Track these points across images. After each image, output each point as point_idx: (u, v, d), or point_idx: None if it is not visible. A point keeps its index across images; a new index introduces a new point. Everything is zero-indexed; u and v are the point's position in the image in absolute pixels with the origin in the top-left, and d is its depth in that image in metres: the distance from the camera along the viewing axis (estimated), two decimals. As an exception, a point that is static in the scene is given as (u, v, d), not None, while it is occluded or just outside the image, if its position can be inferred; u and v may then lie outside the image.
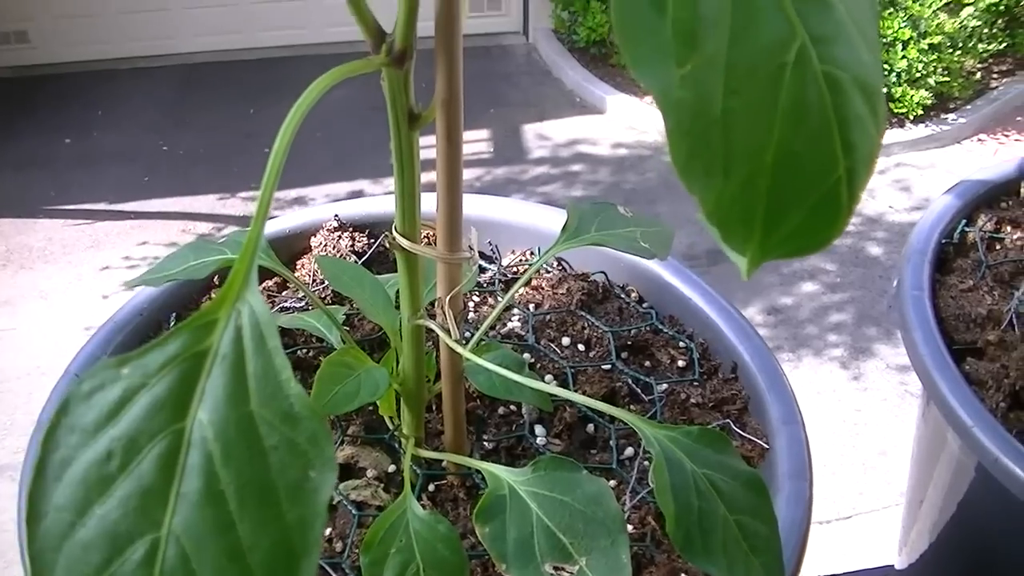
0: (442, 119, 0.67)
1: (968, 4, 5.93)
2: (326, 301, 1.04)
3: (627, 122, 6.38)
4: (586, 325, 1.01)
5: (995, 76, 6.48)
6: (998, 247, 1.08)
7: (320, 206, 1.13)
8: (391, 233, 0.71)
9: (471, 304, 1.05)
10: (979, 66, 6.33)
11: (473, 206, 1.10)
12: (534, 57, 7.10)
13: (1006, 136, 6.00)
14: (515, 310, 1.02)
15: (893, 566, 1.25)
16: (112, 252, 5.13)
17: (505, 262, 1.11)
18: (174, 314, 1.02)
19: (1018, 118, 6.13)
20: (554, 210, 1.11)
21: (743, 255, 0.44)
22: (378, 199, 1.15)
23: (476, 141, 5.92)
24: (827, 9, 0.42)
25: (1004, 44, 6.29)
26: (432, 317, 0.77)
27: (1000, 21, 6.25)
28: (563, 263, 1.09)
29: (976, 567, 1.02)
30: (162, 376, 0.43)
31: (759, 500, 0.67)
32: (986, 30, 6.12)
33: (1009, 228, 1.10)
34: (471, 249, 0.75)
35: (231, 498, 0.42)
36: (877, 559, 1.36)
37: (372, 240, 1.12)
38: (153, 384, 0.43)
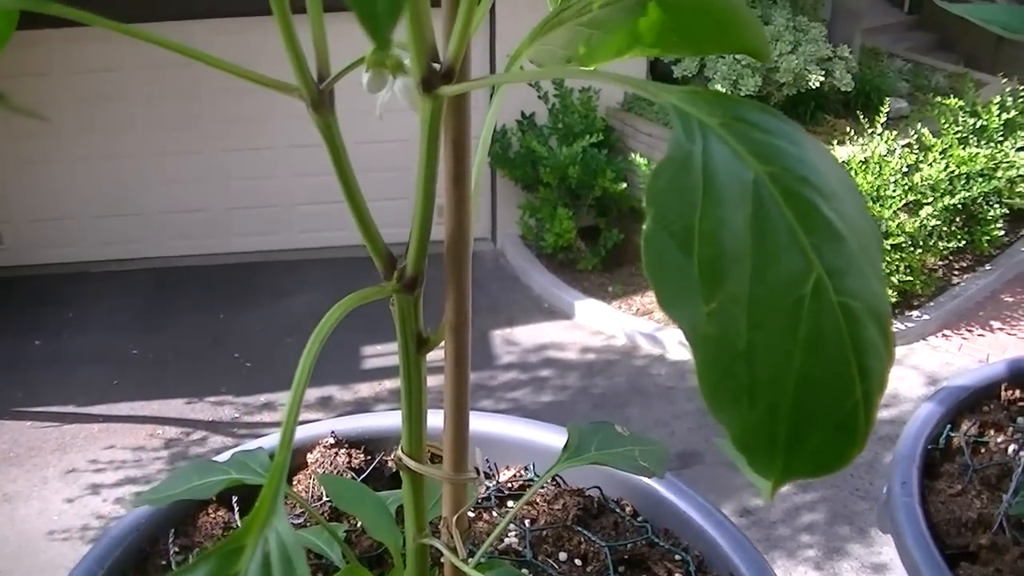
0: (451, 343, 0.69)
1: (927, 204, 6.09)
2: (325, 517, 1.04)
3: (595, 327, 6.44)
4: (582, 540, 1.01)
5: (956, 272, 6.61)
6: (983, 451, 1.10)
7: (316, 423, 1.14)
8: (398, 453, 0.72)
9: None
10: (940, 263, 6.47)
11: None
12: (502, 263, 7.20)
13: (970, 331, 6.09)
14: (512, 525, 1.02)
15: None
16: (79, 455, 5.09)
17: (502, 477, 1.12)
18: (172, 530, 1.02)
19: (980, 313, 6.24)
20: (546, 426, 1.12)
21: (767, 478, 0.45)
22: (374, 416, 1.17)
23: (444, 348, 5.94)
24: (839, 243, 0.44)
25: (963, 241, 6.44)
26: (436, 535, 0.78)
27: (958, 219, 6.42)
28: (558, 479, 1.10)
29: None
30: None
31: None
32: (945, 228, 6.27)
33: (992, 432, 1.12)
34: (477, 470, 0.76)
35: None
36: None
37: (369, 457, 1.13)
38: None
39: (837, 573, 4.07)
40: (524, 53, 0.64)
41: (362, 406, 5.58)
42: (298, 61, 0.58)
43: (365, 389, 5.74)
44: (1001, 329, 6.18)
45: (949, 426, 1.13)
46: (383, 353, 5.92)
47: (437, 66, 0.57)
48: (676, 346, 6.05)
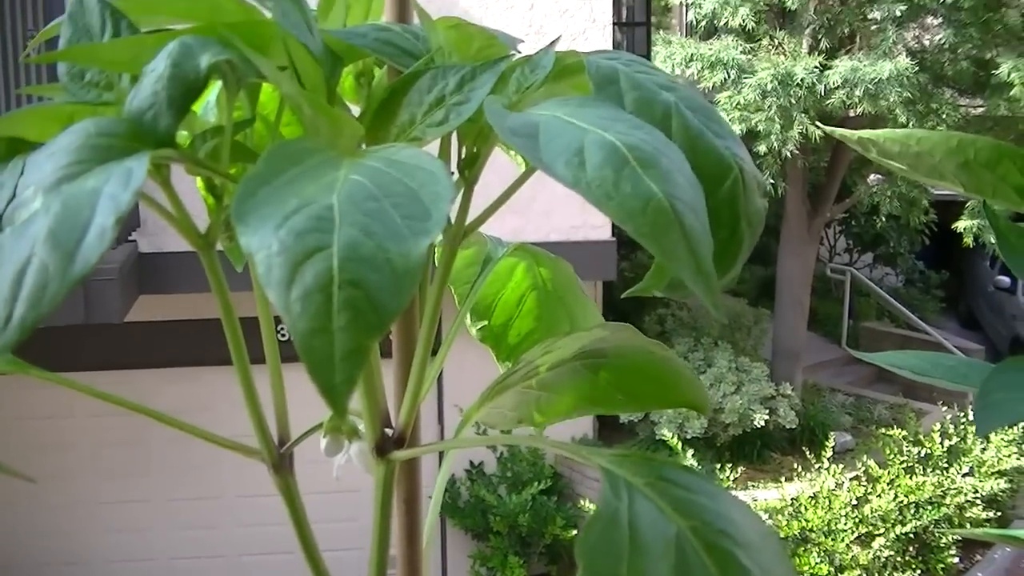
0: None
1: (879, 535, 6.11)
2: None
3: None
4: None
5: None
6: None
7: None
8: None
9: None
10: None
11: None
12: (454, 612, 7.05)
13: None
14: None
15: None
16: None
17: None
18: None
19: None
20: None
21: None
22: None
23: None
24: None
25: (919, 571, 6.43)
26: None
27: (911, 549, 6.43)
28: None
29: None
30: None
31: None
32: (899, 558, 6.28)
33: None
34: None
35: None
36: None
37: None
38: None
39: None
40: (474, 416, 0.68)
41: None
42: (261, 428, 0.62)
43: None
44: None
45: None
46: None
47: (389, 431, 0.61)
48: None
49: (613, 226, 6.94)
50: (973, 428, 7.12)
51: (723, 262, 0.53)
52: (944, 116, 7.47)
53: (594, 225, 6.78)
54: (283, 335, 0.67)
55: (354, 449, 0.65)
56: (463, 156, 0.60)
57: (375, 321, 0.41)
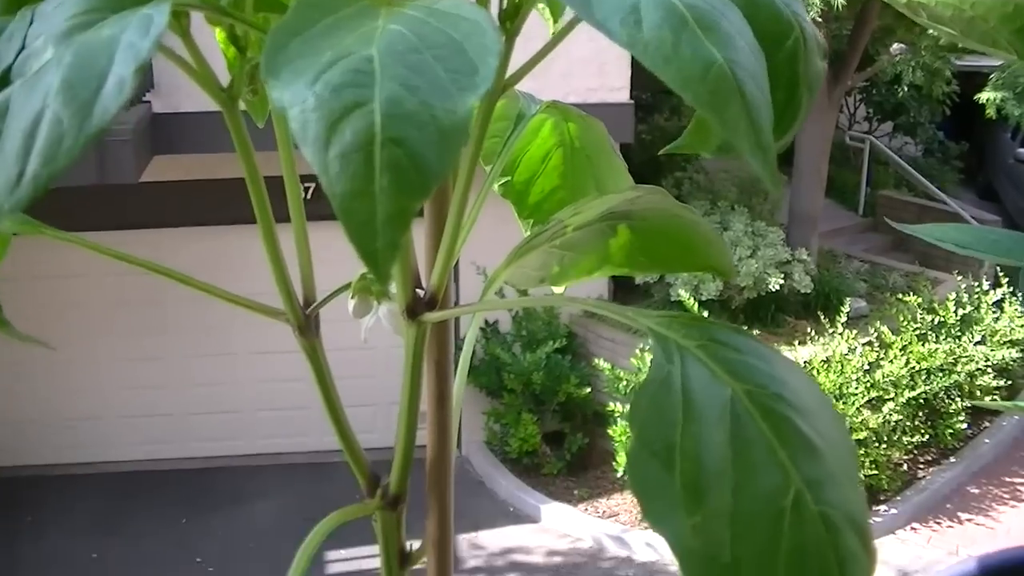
0: (433, 559, 0.70)
1: (889, 400, 6.15)
2: None
3: (562, 530, 6.39)
4: None
5: (921, 466, 6.64)
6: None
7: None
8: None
9: None
10: (905, 458, 6.49)
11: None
12: (467, 468, 7.17)
13: (938, 524, 6.09)
14: None
15: None
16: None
17: None
18: None
19: (948, 506, 6.23)
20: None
21: None
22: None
23: (426, 562, 5.88)
24: (816, 455, 0.46)
25: (927, 435, 6.49)
26: None
27: (921, 414, 6.47)
28: None
29: None
30: None
31: None
32: (908, 423, 6.32)
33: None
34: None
35: None
36: None
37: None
38: None
39: None
40: (502, 276, 0.67)
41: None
42: (286, 289, 0.60)
43: (332, 597, 5.65)
44: (970, 520, 6.17)
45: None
46: (346, 558, 5.84)
47: (421, 292, 0.59)
48: (643, 547, 6.00)
49: (631, 88, 6.86)
50: (987, 297, 7.14)
51: (779, 127, 0.50)
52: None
53: (612, 87, 6.70)
54: (307, 194, 0.65)
55: (383, 311, 0.63)
56: (504, 7, 0.57)
57: (419, 182, 0.38)
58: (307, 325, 0.61)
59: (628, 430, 0.45)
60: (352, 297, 0.64)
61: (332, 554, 5.88)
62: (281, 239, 0.61)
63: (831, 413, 0.49)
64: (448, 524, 0.69)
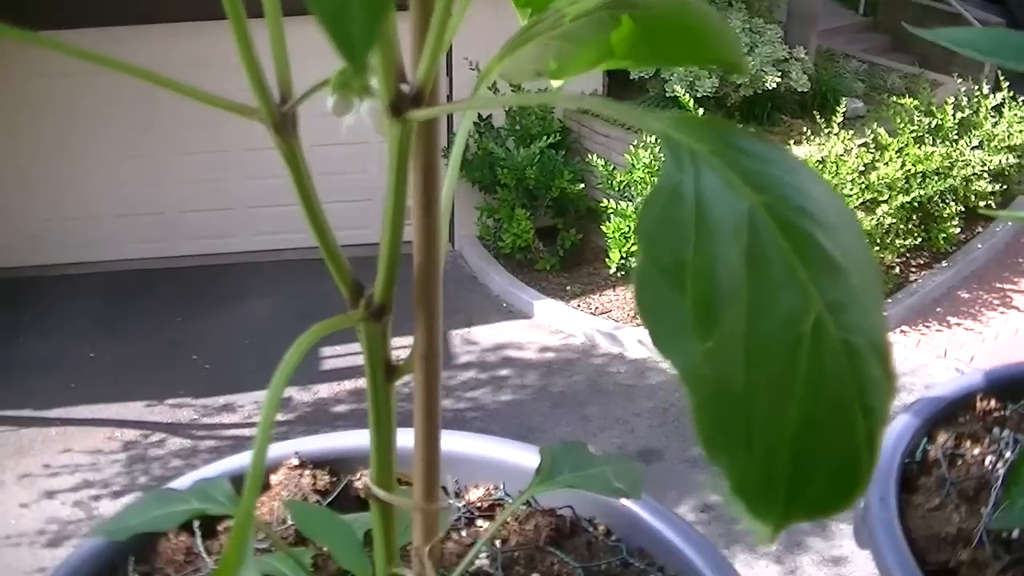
0: (421, 372, 0.66)
1: (883, 202, 6.12)
2: (288, 541, 1.01)
3: (554, 326, 6.44)
4: (555, 561, 0.99)
5: (913, 270, 6.65)
6: (959, 463, 1.08)
7: (279, 443, 1.11)
8: (367, 482, 0.70)
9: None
10: (898, 261, 6.50)
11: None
12: (460, 264, 7.19)
13: (927, 327, 6.13)
14: (482, 547, 0.99)
15: None
16: (35, 460, 5.04)
17: (471, 497, 1.09)
18: (132, 557, 0.98)
19: (938, 309, 6.27)
20: (515, 444, 1.09)
21: (766, 524, 0.43)
22: (339, 435, 1.13)
23: (402, 348, 5.94)
24: (840, 276, 0.42)
25: (920, 239, 6.48)
26: (407, 563, 0.75)
27: (915, 217, 6.46)
28: (530, 499, 1.07)
29: None
30: None
31: None
32: (902, 226, 6.31)
33: (968, 443, 1.10)
34: (445, 489, 0.74)
35: None
36: None
37: (335, 478, 1.10)
38: None
39: (797, 566, 4.08)
40: (495, 70, 0.61)
41: (321, 407, 5.55)
42: (259, 84, 0.55)
43: (324, 390, 5.71)
44: (959, 325, 6.22)
45: (926, 439, 1.11)
46: (342, 354, 5.89)
47: (406, 87, 0.54)
48: (635, 344, 6.05)
49: None
50: (987, 102, 7.04)
51: None
52: None
53: None
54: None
55: (365, 108, 0.58)
56: None
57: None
58: (283, 123, 0.56)
59: (634, 242, 0.40)
60: (332, 93, 0.58)
61: (327, 350, 5.93)
62: (257, 35, 0.55)
63: (856, 230, 0.45)
64: (436, 336, 0.65)
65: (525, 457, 1.05)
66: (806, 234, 0.42)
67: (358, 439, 1.12)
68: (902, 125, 6.70)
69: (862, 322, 0.42)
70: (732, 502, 0.43)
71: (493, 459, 1.08)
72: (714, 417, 0.41)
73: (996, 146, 6.91)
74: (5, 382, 5.74)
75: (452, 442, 1.07)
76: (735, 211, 0.41)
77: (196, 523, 1.01)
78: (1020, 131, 6.96)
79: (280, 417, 5.33)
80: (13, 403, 5.53)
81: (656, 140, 5.92)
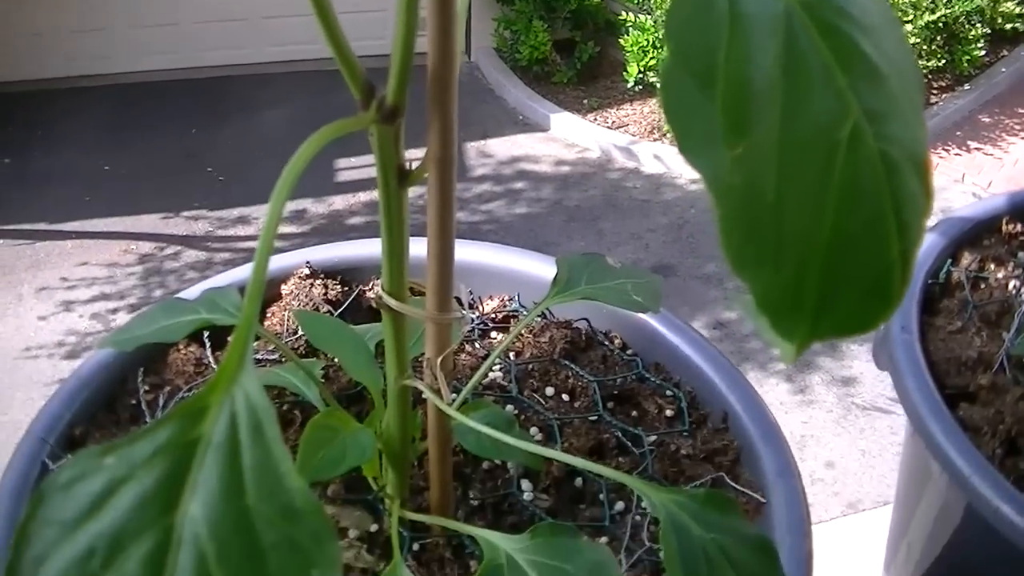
0: (435, 177, 0.64)
1: (907, 22, 5.99)
2: (299, 352, 1.01)
3: (570, 140, 6.38)
4: (570, 375, 0.98)
5: (935, 92, 6.54)
6: (983, 286, 1.07)
7: (290, 253, 1.09)
8: (378, 291, 0.68)
9: (448, 353, 1.02)
10: (919, 82, 6.38)
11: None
12: (476, 76, 7.10)
13: (946, 151, 6.07)
14: (496, 359, 0.99)
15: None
16: (52, 273, 5.07)
17: (485, 308, 1.08)
18: (142, 368, 0.98)
19: (957, 133, 6.20)
20: (532, 255, 1.07)
21: (791, 341, 0.41)
22: (350, 244, 1.12)
23: (418, 160, 5.89)
24: (880, 83, 0.39)
25: (943, 61, 6.36)
26: (419, 374, 0.74)
27: (939, 38, 6.32)
28: (544, 310, 1.06)
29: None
30: (150, 467, 0.39)
31: (769, 564, 0.65)
32: (925, 47, 6.18)
33: (993, 266, 1.08)
34: (459, 300, 0.72)
35: (227, 602, 0.38)
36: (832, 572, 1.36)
37: (346, 288, 1.08)
38: (140, 476, 0.39)
39: (807, 385, 4.11)
40: None
41: (336, 219, 5.55)
42: None
43: (339, 202, 5.69)
44: (978, 150, 6.15)
45: (949, 260, 1.09)
46: (357, 166, 5.86)
47: None
48: (651, 159, 6.00)
49: None
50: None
51: None
52: None
53: None
54: None
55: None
56: None
57: None
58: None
59: (653, 56, 0.37)
60: None
61: (341, 162, 5.90)
62: None
63: (899, 36, 0.42)
64: (451, 139, 0.63)
65: (541, 268, 1.04)
66: (846, 37, 0.39)
67: (370, 248, 1.10)
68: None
69: (901, 133, 0.40)
70: (756, 318, 0.42)
71: (509, 270, 1.07)
72: (742, 228, 0.39)
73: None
74: (20, 196, 5.73)
75: (467, 252, 1.05)
76: (771, 10, 0.38)
77: (206, 334, 1.00)
78: (1052, -50, 6.77)
79: (294, 229, 5.34)
80: (29, 217, 5.54)
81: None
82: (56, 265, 5.16)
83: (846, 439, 3.74)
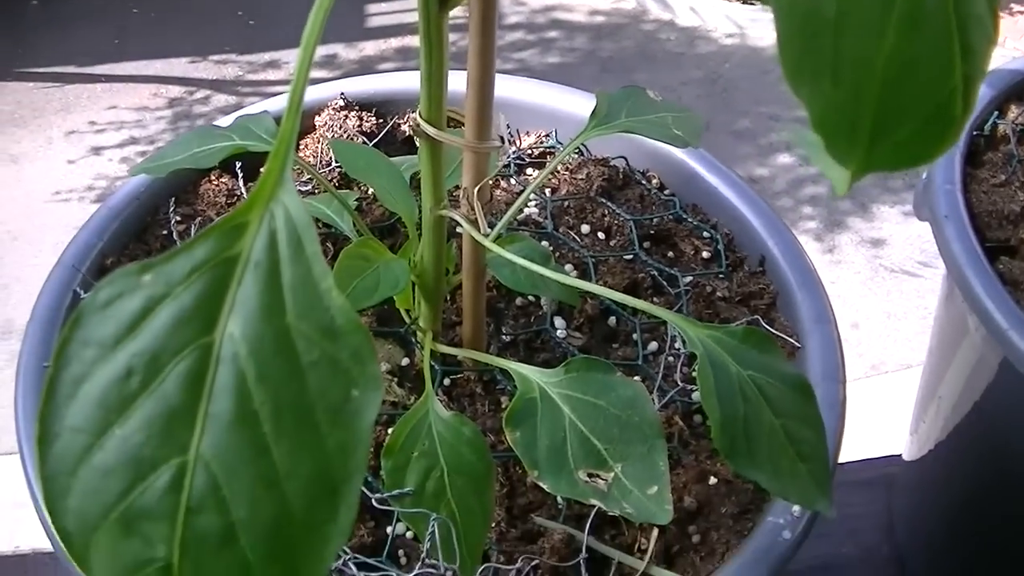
0: (477, 3, 0.63)
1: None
2: (334, 183, 1.00)
3: (607, -11, 6.28)
4: (606, 212, 0.97)
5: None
6: (1030, 141, 1.04)
7: (324, 84, 1.08)
8: (415, 118, 0.67)
9: (484, 188, 1.01)
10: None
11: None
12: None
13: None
14: (532, 195, 0.98)
15: (900, 456, 1.24)
16: (82, 116, 5.05)
17: (522, 144, 1.06)
18: (173, 198, 0.97)
19: (1002, -8, 6.04)
20: (571, 91, 1.05)
21: (846, 166, 0.40)
22: (386, 77, 1.10)
23: (468, 5, 5.82)
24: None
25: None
26: (454, 206, 0.73)
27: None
28: (582, 147, 1.04)
29: (994, 465, 1.01)
30: (188, 285, 0.39)
31: (806, 404, 0.65)
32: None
33: (1041, 122, 1.06)
34: (500, 138, 0.71)
35: (266, 420, 0.37)
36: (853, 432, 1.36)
37: (381, 120, 1.07)
38: (178, 294, 0.38)
39: (836, 245, 4.09)
40: None
41: (367, 65, 5.49)
42: None
43: (370, 47, 5.63)
44: (1021, 12, 6.01)
45: (996, 112, 1.06)
46: (388, 11, 5.78)
47: None
48: (687, 11, 5.90)
49: None
50: None
51: None
52: None
53: None
54: None
55: None
56: None
57: None
58: None
59: None
60: None
61: (373, 7, 5.82)
62: None
63: None
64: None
65: (581, 104, 1.02)
66: None
67: (407, 81, 1.09)
68: None
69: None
70: (810, 145, 0.41)
71: (547, 106, 1.05)
72: (800, 45, 0.37)
73: None
74: (48, 39, 5.68)
75: (506, 87, 1.04)
76: None
77: (238, 164, 0.99)
78: None
79: (325, 74, 5.28)
80: (57, 59, 5.49)
81: None
82: (85, 108, 5.13)
83: (872, 301, 3.72)
